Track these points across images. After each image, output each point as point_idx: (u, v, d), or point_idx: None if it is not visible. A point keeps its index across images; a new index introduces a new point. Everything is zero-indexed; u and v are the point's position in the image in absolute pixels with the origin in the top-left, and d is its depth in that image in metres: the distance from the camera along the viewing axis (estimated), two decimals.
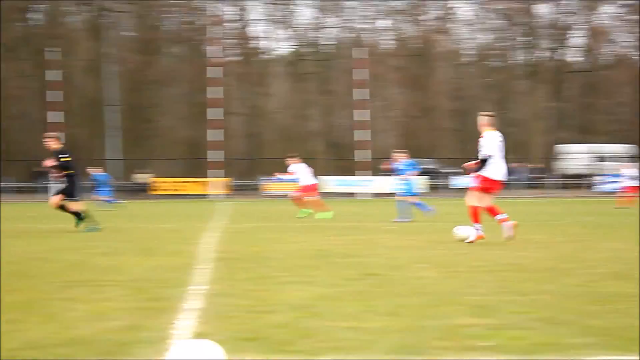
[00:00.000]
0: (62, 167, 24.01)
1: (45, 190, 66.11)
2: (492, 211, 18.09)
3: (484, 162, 17.61)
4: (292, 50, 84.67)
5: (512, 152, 79.89)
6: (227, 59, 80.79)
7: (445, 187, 69.43)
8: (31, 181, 71.65)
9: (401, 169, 29.73)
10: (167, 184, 66.77)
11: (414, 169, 29.83)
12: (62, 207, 24.10)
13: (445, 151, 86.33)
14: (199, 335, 7.58)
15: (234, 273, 12.54)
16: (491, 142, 17.76)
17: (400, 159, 29.73)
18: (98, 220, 24.58)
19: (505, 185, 18.52)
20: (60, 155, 24.16)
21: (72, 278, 11.98)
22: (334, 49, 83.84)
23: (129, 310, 9.15)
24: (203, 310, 9.19)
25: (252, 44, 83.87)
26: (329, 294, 10.29)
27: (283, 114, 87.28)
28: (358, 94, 67.88)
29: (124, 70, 79.32)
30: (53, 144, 24.30)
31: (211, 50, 71.05)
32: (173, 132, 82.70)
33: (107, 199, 42.20)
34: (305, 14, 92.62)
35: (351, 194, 64.56)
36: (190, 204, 52.73)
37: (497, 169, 17.78)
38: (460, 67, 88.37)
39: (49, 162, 24.13)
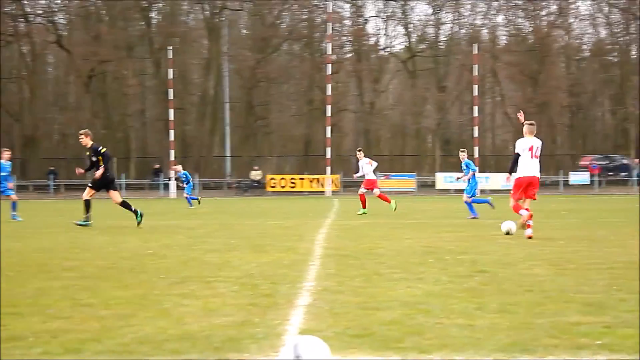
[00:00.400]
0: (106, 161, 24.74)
1: (166, 187, 67.17)
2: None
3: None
4: (407, 46, 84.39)
5: (630, 148, 78.30)
6: (343, 56, 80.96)
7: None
8: (151, 178, 72.83)
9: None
10: (280, 181, 67.20)
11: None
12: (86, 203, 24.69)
13: (564, 148, 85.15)
14: (308, 331, 7.62)
15: (344, 270, 12.57)
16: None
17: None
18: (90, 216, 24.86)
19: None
20: (99, 149, 24.89)
21: (184, 274, 12.16)
22: (449, 45, 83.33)
23: (240, 306, 9.25)
24: (313, 307, 9.24)
25: (367, 40, 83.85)
26: (439, 291, 10.25)
27: (396, 110, 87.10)
28: (474, 90, 67.34)
29: (240, 68, 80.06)
30: (86, 140, 25.00)
31: (327, 47, 71.24)
32: (286, 129, 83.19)
33: (189, 196, 42.16)
34: (420, 11, 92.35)
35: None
36: (303, 200, 52.99)
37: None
38: (577, 63, 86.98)
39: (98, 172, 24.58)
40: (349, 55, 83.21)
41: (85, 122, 76.43)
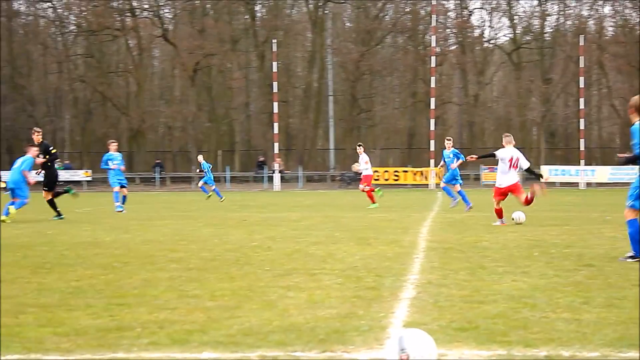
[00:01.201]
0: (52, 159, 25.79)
1: (270, 180, 67.59)
2: None
3: None
4: (512, 38, 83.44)
5: None
6: (447, 48, 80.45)
7: None
8: (255, 171, 73.38)
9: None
10: (384, 174, 67.05)
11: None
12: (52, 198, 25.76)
13: None
14: (412, 324, 7.59)
15: (448, 263, 12.51)
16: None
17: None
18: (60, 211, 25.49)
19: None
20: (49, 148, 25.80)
21: (288, 266, 12.22)
22: (554, 37, 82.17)
23: (345, 299, 9.26)
24: (417, 300, 9.21)
25: (472, 32, 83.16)
26: (544, 285, 10.13)
27: (501, 103, 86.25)
28: (580, 82, 66.31)
29: (343, 61, 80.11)
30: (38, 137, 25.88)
31: (431, 39, 70.86)
32: (390, 122, 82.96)
33: (207, 188, 41.91)
34: (525, 2, 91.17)
35: (573, 184, 63.17)
36: (407, 193, 52.83)
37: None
38: None
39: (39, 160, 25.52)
40: (453, 48, 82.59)
41: (191, 115, 77.55)
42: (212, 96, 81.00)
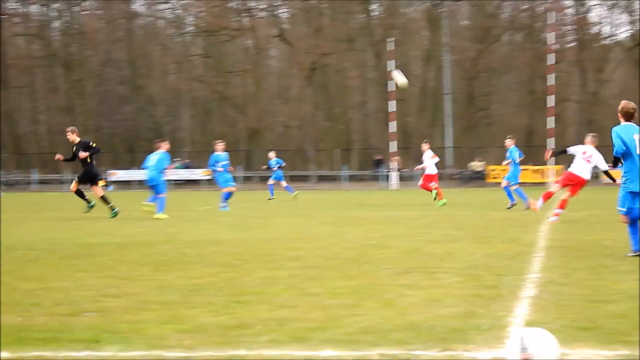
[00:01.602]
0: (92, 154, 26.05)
1: (387, 178, 67.52)
2: None
3: None
4: (632, 34, 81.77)
5: None
6: (565, 45, 79.30)
7: None
8: (372, 169, 73.39)
9: None
10: (502, 172, 66.38)
11: None
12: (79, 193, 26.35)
13: None
14: (533, 323, 7.50)
15: (569, 262, 12.33)
16: None
17: None
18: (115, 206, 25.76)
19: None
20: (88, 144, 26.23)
21: (407, 265, 12.18)
22: None
23: (464, 297, 9.20)
24: (538, 299, 9.09)
25: (590, 29, 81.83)
26: None
27: (621, 100, 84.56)
28: None
29: (460, 59, 79.61)
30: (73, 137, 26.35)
31: (550, 36, 69.90)
32: (507, 120, 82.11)
33: (272, 185, 41.25)
34: None
35: None
36: (525, 192, 52.07)
37: None
38: None
39: (82, 154, 25.91)
40: (571, 45, 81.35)
41: (307, 114, 77.94)
42: (329, 95, 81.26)
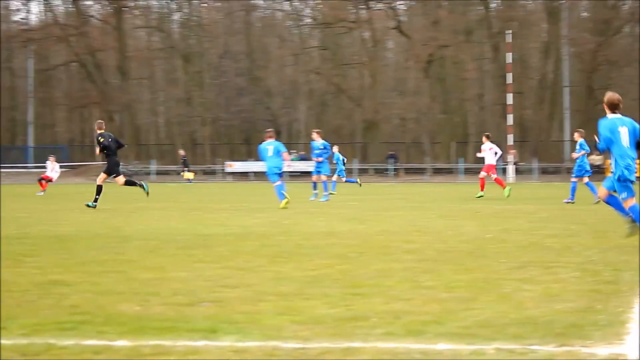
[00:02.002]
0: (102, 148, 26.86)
1: (504, 171, 66.78)
2: None
3: None
4: None
5: None
6: None
7: None
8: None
9: None
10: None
11: None
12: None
13: None
14: None
15: None
16: None
17: None
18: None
19: None
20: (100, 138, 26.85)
21: (524, 259, 12.04)
22: None
23: (582, 293, 9.05)
24: None
25: None
26: None
27: None
28: None
29: (580, 51, 78.40)
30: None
31: None
32: (627, 113, 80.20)
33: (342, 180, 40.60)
34: None
35: None
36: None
37: None
38: None
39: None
40: None
41: (424, 106, 77.65)
42: (445, 87, 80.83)
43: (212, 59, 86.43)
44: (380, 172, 74.34)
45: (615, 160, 13.73)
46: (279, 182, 26.87)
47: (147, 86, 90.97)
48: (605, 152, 13.45)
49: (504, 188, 33.37)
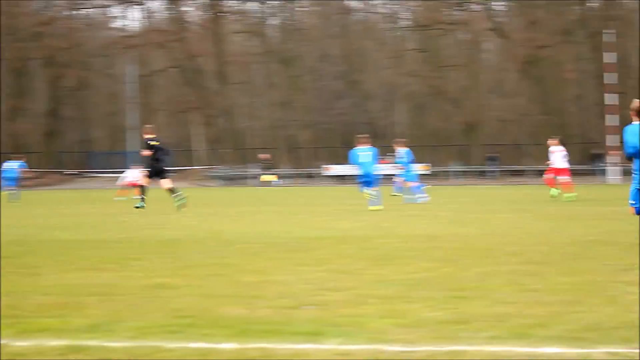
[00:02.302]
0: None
1: (604, 173, 65.94)
2: None
3: None
4: None
5: None
6: None
7: None
8: (589, 164, 71.79)
9: None
10: None
11: None
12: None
13: None
14: None
15: None
16: None
17: None
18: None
19: None
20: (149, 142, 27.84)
21: (628, 261, 11.85)
22: None
23: None
24: None
25: None
26: None
27: None
28: None
29: None
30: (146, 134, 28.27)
31: None
32: None
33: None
34: None
35: None
36: None
37: None
38: None
39: (145, 152, 27.94)
40: None
41: (522, 108, 76.86)
42: (544, 88, 79.92)
43: (310, 62, 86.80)
44: (480, 174, 73.81)
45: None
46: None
47: (246, 90, 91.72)
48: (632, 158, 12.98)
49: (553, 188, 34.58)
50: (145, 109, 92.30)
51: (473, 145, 79.06)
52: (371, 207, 26.41)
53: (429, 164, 72.36)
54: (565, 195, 33.27)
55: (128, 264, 12.41)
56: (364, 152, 27.57)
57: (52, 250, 14.68)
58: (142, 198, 28.03)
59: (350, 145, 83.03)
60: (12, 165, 43.03)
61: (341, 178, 73.87)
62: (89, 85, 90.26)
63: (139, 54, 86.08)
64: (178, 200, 27.19)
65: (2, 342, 7.01)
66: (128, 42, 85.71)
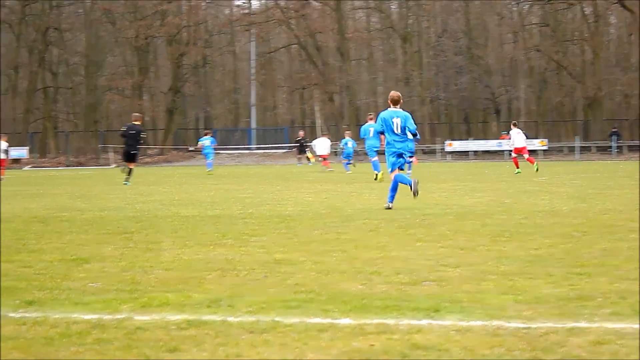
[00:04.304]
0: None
1: None
2: None
3: None
4: None
5: None
6: None
7: None
8: None
9: None
10: None
11: None
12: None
13: None
14: None
15: None
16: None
17: None
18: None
19: None
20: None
21: None
22: None
23: None
24: None
25: None
26: None
27: None
28: None
29: None
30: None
31: None
32: None
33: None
34: None
35: None
36: None
37: None
38: None
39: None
40: None
41: None
42: None
43: (431, 38, 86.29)
44: (603, 149, 72.46)
45: None
46: (375, 158, 32.40)
47: (366, 67, 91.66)
48: None
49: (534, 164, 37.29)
50: (266, 86, 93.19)
51: (596, 120, 77.60)
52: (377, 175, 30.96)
53: (546, 140, 71.61)
54: None
55: (247, 239, 12.55)
56: (371, 127, 31.08)
57: (173, 226, 14.93)
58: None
59: (470, 120, 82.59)
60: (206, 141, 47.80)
61: (463, 154, 73.43)
62: (211, 63, 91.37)
63: (260, 31, 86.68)
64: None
65: (124, 315, 7.17)
66: (249, 19, 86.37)
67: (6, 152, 41.93)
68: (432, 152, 75.72)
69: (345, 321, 6.80)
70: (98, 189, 29.93)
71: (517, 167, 36.39)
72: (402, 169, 18.32)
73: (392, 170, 17.89)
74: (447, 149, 74.44)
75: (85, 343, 6.23)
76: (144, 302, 7.73)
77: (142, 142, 34.25)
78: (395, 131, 17.80)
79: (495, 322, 6.68)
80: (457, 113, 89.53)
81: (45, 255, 11.02)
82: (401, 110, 18.19)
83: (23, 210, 19.19)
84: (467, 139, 78.15)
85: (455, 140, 78.12)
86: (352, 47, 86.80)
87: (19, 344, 6.24)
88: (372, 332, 6.42)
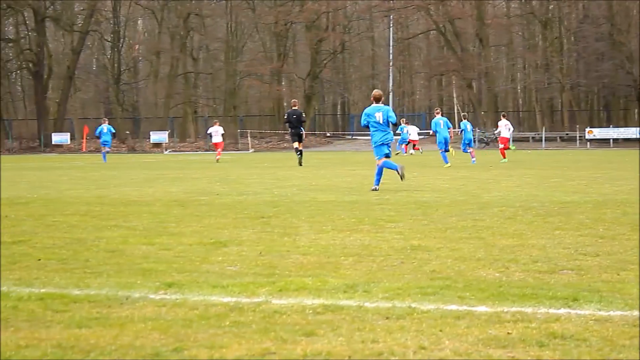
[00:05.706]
0: None
1: None
2: None
3: None
4: None
5: None
6: None
7: None
8: None
9: None
10: None
11: None
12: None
13: None
14: None
15: None
16: None
17: None
18: None
19: None
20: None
21: None
22: None
23: None
24: None
25: None
26: None
27: None
28: None
29: None
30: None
31: None
32: None
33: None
34: None
35: None
36: None
37: None
38: None
39: None
40: None
41: None
42: None
43: (572, 24, 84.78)
44: None
45: None
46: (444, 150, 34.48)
47: (505, 53, 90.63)
48: None
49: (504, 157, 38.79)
50: (404, 72, 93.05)
51: None
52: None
53: None
54: None
55: (384, 225, 12.57)
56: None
57: (310, 211, 15.04)
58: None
59: (611, 107, 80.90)
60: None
61: (603, 142, 72.05)
62: (349, 49, 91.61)
63: (399, 17, 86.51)
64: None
65: (261, 299, 7.27)
66: (388, 5, 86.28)
67: (222, 135, 45.67)
68: (571, 140, 74.49)
69: (481, 309, 6.77)
70: (236, 173, 30.37)
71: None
72: (388, 156, 20.15)
73: (379, 158, 19.99)
74: (588, 136, 73.12)
75: (223, 326, 6.34)
76: (281, 286, 7.82)
77: (304, 122, 37.91)
78: (380, 123, 19.98)
79: (636, 313, 6.57)
80: (598, 100, 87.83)
81: (185, 239, 11.25)
82: (382, 105, 20.51)
83: (164, 194, 19.63)
84: (607, 127, 76.62)
85: (595, 127, 76.67)
86: (492, 33, 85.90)
87: (158, 324, 6.38)
88: (508, 320, 6.37)
